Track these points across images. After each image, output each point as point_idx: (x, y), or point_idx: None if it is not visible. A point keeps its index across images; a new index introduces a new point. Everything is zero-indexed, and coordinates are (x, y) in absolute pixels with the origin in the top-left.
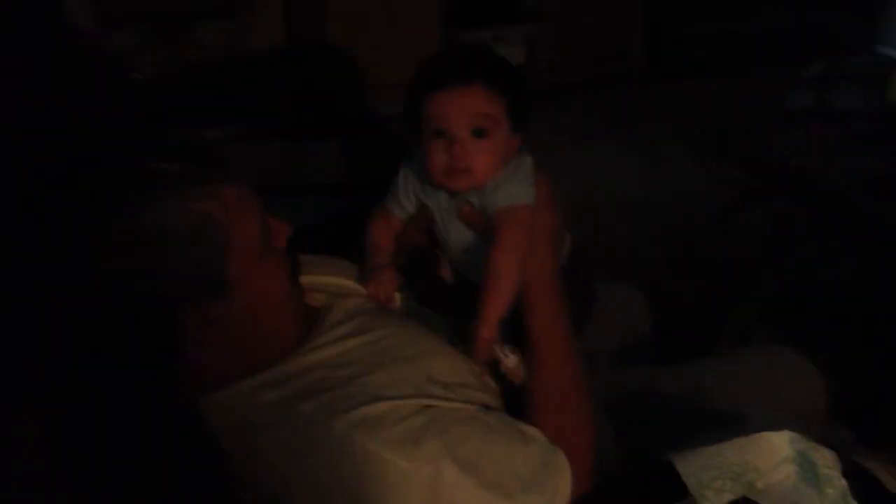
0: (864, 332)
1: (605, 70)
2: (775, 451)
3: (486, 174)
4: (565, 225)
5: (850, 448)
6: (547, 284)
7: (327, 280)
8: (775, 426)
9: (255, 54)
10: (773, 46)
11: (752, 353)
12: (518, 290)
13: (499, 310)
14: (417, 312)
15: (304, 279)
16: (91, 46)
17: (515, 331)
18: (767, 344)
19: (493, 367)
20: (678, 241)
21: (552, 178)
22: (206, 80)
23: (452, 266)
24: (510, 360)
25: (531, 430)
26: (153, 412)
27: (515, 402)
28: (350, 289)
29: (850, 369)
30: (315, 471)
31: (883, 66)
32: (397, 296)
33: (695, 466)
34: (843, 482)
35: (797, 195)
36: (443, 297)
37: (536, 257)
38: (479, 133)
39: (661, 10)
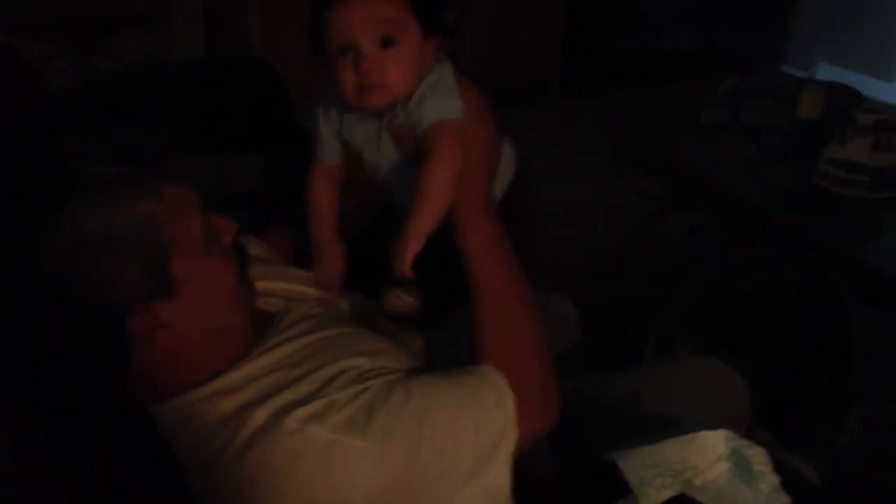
0: (776, 337)
1: (524, 83)
2: (711, 450)
3: (401, 86)
4: (506, 142)
5: (771, 446)
6: (479, 204)
7: (283, 286)
8: (711, 426)
9: (173, 65)
10: (682, 63)
11: (682, 361)
12: (447, 209)
13: (426, 227)
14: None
15: (260, 285)
16: (5, 53)
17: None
18: (690, 351)
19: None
20: (602, 250)
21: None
22: (124, 90)
23: (386, 190)
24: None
25: (478, 369)
26: (103, 418)
27: None
28: (305, 294)
29: (762, 372)
30: (273, 476)
31: (791, 85)
32: (343, 300)
33: (636, 464)
34: (775, 478)
35: (713, 207)
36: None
37: (468, 175)
38: (387, 42)
39: (577, 26)
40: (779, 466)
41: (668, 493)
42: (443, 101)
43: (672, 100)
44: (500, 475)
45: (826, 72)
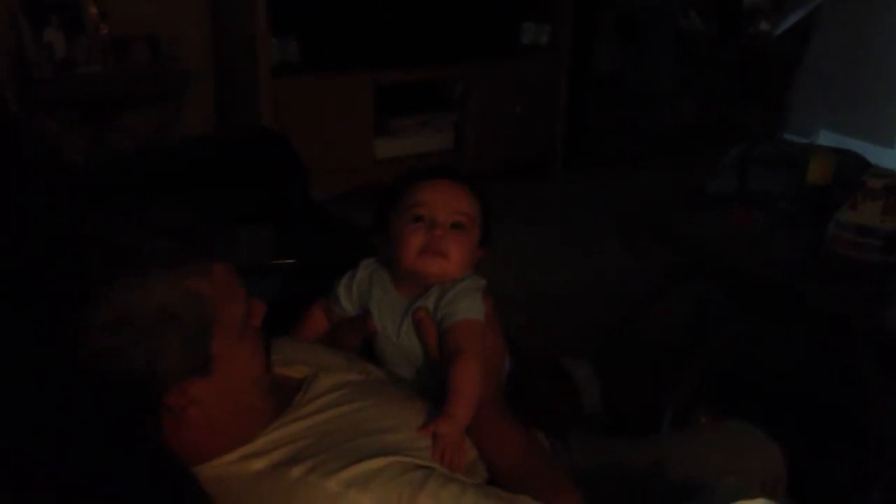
0: (791, 407)
1: (527, 158)
2: None
3: (457, 264)
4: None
5: None
6: (494, 397)
7: (307, 356)
8: (747, 494)
9: (186, 140)
10: (685, 136)
11: (713, 427)
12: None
13: (467, 416)
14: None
15: (288, 355)
16: (26, 129)
17: None
18: (710, 419)
19: None
20: (610, 324)
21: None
22: (139, 166)
23: (385, 360)
24: None
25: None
26: (147, 484)
27: None
28: (334, 364)
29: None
30: None
31: (796, 152)
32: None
33: None
34: None
35: (722, 277)
36: None
37: (483, 374)
38: (457, 226)
39: (580, 103)
40: None
41: None
42: (474, 304)
43: (676, 172)
44: None
45: (828, 139)
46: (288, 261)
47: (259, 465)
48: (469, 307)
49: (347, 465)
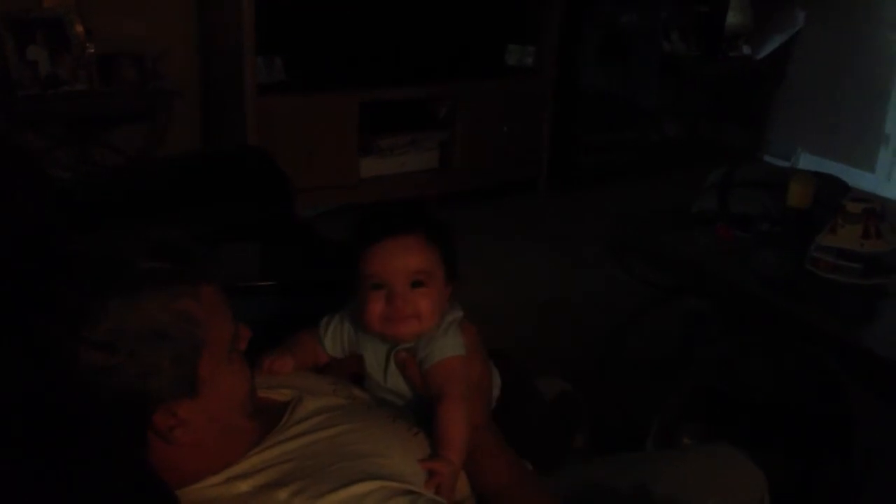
0: (776, 425)
1: (513, 176)
2: None
3: (430, 318)
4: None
5: None
6: (482, 423)
7: (292, 380)
8: None
9: (171, 158)
10: (668, 154)
11: (695, 450)
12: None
13: (461, 458)
14: (386, 401)
15: (271, 378)
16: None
17: None
18: (695, 439)
19: None
20: (597, 340)
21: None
22: (124, 183)
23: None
24: None
25: None
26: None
27: None
28: (319, 388)
29: (764, 462)
30: None
31: (777, 174)
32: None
33: None
34: None
35: (708, 293)
36: None
37: (470, 399)
38: (417, 284)
39: (565, 122)
40: None
41: None
42: (451, 341)
43: (659, 190)
44: None
45: (808, 162)
46: (270, 283)
47: (245, 486)
48: (445, 345)
49: (333, 489)
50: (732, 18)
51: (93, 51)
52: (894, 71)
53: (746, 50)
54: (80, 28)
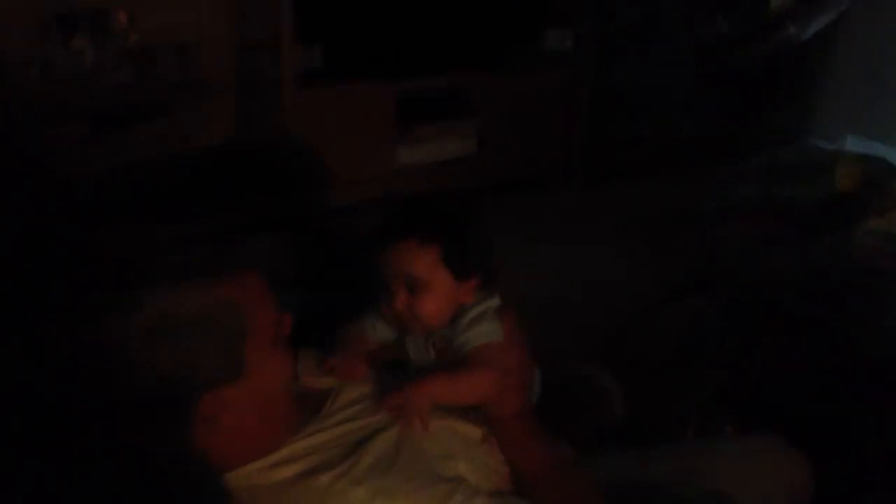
0: (812, 418)
1: (546, 166)
2: None
3: (432, 320)
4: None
5: None
6: (517, 409)
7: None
8: None
9: (205, 149)
10: (705, 146)
11: (739, 437)
12: (462, 401)
13: (442, 393)
14: None
15: (312, 366)
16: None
17: None
18: (734, 429)
19: None
20: (629, 332)
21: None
22: (156, 177)
23: None
24: None
25: None
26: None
27: None
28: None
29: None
30: None
31: (822, 158)
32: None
33: None
34: None
35: (740, 289)
36: None
37: (507, 389)
38: (413, 290)
39: (600, 113)
40: None
41: None
42: (488, 327)
43: (701, 181)
44: None
45: (854, 144)
46: (302, 276)
47: (288, 472)
48: (482, 332)
49: (373, 476)
50: None
51: (136, 40)
52: None
53: (792, 30)
54: (122, 18)
